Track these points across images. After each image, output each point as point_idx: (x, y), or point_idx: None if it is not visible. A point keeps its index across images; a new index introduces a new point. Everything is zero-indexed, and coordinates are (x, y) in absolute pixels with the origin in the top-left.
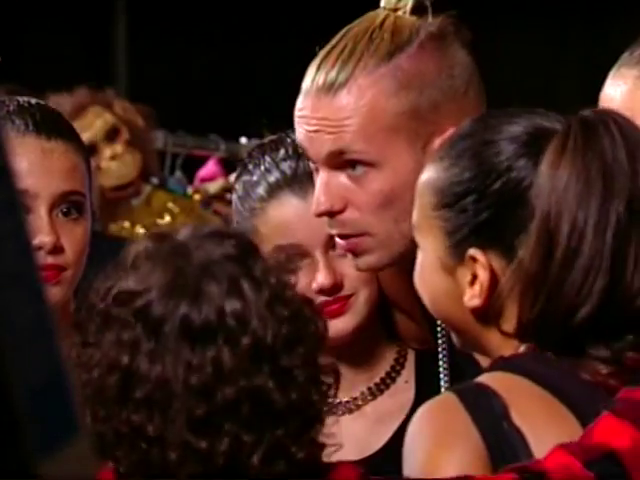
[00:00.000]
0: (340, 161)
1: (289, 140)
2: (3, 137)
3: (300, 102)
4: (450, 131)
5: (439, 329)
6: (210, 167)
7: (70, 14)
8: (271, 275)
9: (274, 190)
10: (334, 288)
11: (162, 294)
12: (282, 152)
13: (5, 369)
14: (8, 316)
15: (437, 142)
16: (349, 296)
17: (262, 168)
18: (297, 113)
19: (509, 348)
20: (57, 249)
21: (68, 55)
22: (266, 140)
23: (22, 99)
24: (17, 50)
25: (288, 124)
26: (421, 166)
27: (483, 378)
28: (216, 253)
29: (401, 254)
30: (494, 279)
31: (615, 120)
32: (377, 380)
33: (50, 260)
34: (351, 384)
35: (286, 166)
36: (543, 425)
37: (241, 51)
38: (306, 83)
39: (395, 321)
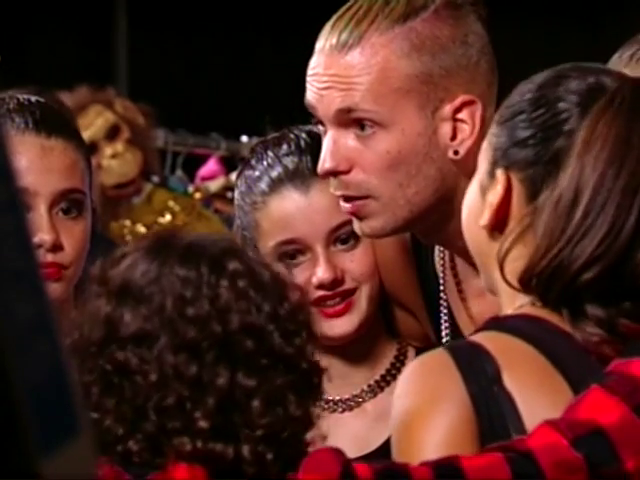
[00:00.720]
0: (348, 119)
1: (292, 136)
2: (3, 136)
3: (313, 61)
4: (461, 99)
5: (443, 324)
6: (211, 165)
7: (71, 13)
8: (268, 265)
9: (276, 184)
10: (334, 283)
11: (148, 252)
12: (285, 147)
13: (6, 367)
14: (9, 314)
15: (447, 109)
16: (350, 291)
17: (265, 163)
18: (309, 72)
19: (512, 297)
20: (57, 247)
21: (69, 54)
22: (269, 136)
23: (22, 97)
24: (18, 49)
25: (290, 122)
26: (430, 131)
27: (478, 337)
28: (210, 237)
29: (405, 220)
30: (507, 202)
31: None
32: (377, 377)
33: (50, 258)
34: (352, 381)
35: (288, 161)
36: (535, 391)
37: (242, 49)
38: (320, 42)
39: (395, 318)
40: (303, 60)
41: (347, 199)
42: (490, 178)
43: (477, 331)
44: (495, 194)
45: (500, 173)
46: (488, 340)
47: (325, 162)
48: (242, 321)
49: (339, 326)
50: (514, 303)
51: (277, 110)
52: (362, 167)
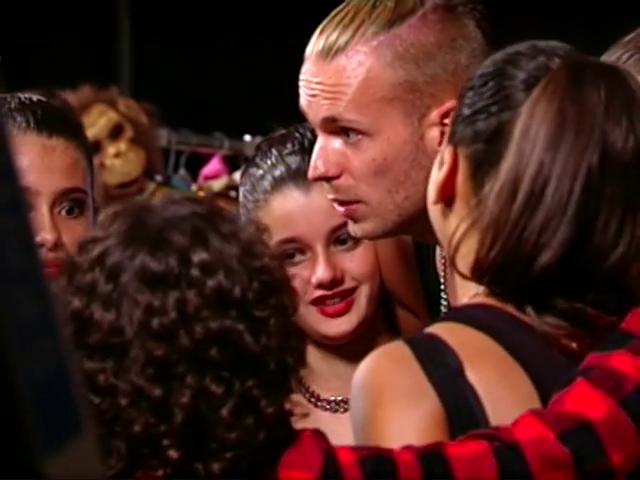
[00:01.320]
0: (335, 127)
1: (297, 134)
2: (6, 135)
3: (303, 67)
4: (449, 104)
5: None
6: (214, 165)
7: (74, 13)
8: (241, 232)
9: (278, 183)
10: (333, 282)
11: (120, 241)
12: (289, 146)
13: (10, 366)
14: (12, 313)
15: (434, 115)
16: (349, 290)
17: (268, 162)
18: (300, 78)
19: (466, 285)
20: (59, 246)
21: (72, 53)
22: (275, 134)
23: (24, 96)
24: (21, 48)
25: (293, 121)
26: (416, 138)
27: (436, 329)
28: (182, 210)
29: (395, 224)
30: (453, 179)
31: (612, 71)
32: None
33: (52, 257)
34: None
35: (292, 160)
36: (496, 384)
37: (245, 49)
38: (308, 48)
39: (397, 316)
40: (301, 59)
41: (340, 203)
42: (444, 154)
43: (435, 322)
44: (441, 171)
45: (448, 150)
46: (447, 332)
47: (315, 167)
48: (208, 328)
49: (337, 325)
50: (469, 291)
51: (281, 109)
52: (351, 173)
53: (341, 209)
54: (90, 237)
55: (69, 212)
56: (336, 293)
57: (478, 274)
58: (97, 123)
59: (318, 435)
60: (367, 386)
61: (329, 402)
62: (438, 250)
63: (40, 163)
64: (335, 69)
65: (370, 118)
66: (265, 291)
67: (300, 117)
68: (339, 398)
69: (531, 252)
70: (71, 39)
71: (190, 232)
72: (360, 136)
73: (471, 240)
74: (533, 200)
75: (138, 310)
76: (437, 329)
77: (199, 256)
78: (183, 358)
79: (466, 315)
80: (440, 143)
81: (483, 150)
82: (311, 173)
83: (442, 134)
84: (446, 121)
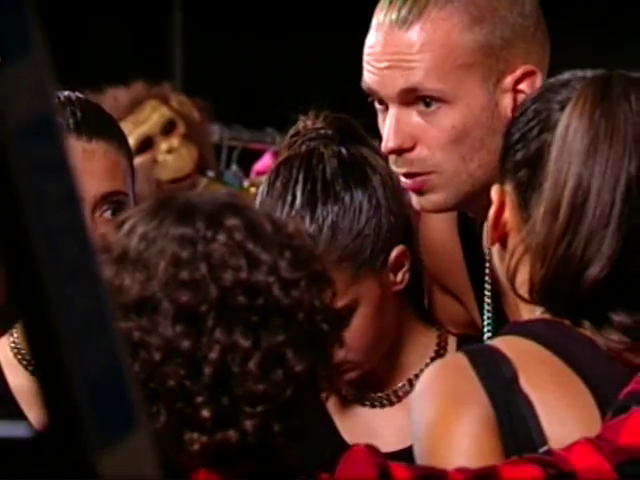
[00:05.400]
0: (412, 98)
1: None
2: (58, 130)
3: (370, 39)
4: (522, 69)
5: (486, 311)
6: (266, 160)
7: (126, 9)
8: (273, 214)
9: None
10: None
11: (147, 214)
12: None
13: (64, 362)
14: (67, 309)
15: (509, 80)
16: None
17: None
18: (367, 51)
19: (531, 309)
20: None
21: (125, 50)
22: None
23: (64, 94)
24: (75, 45)
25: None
26: (492, 104)
27: (495, 341)
28: (212, 194)
29: (467, 195)
30: (501, 216)
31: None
32: (417, 372)
33: None
34: (394, 376)
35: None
36: (552, 392)
37: (297, 44)
38: (377, 19)
39: (440, 305)
40: (358, 55)
41: (409, 175)
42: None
43: (496, 335)
44: (490, 210)
45: (494, 189)
46: (505, 344)
47: (389, 141)
48: (236, 278)
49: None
50: (533, 313)
51: (331, 105)
52: (426, 143)
53: (409, 182)
54: (120, 219)
55: (110, 216)
56: None
57: (534, 296)
58: (150, 119)
59: (373, 450)
60: (424, 394)
61: (368, 397)
62: (486, 227)
63: (80, 168)
64: (412, 38)
65: (451, 85)
66: (297, 261)
67: (349, 111)
68: (379, 394)
69: (578, 268)
70: (124, 35)
71: (220, 203)
72: (439, 104)
73: (526, 266)
74: (575, 216)
75: (166, 263)
76: (496, 341)
77: (229, 221)
78: (212, 309)
79: (525, 328)
80: (512, 110)
81: (526, 177)
82: (385, 147)
83: (515, 101)
84: (519, 87)
